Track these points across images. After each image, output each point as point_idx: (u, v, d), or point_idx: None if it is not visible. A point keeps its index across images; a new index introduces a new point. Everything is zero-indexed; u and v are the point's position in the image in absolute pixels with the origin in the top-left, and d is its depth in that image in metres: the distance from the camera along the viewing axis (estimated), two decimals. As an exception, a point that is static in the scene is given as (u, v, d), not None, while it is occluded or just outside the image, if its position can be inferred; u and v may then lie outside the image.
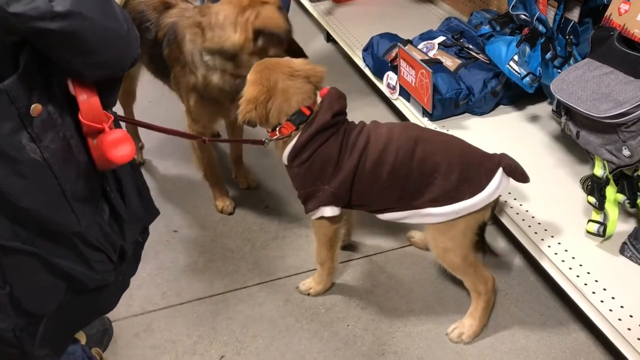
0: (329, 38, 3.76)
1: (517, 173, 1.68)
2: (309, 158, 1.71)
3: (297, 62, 1.79)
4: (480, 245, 1.85)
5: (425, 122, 2.50)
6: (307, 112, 1.72)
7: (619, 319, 1.59)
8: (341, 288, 2.08)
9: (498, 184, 1.67)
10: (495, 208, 1.81)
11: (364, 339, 1.90)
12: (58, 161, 1.04)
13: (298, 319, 1.98)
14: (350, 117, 2.97)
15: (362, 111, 3.07)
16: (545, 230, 1.90)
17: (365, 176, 1.71)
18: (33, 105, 0.98)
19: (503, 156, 1.71)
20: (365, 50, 2.92)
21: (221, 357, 1.87)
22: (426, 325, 1.93)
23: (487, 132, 2.41)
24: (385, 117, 3.00)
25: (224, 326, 1.97)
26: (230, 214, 2.46)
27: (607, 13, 1.77)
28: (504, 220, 2.04)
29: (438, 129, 2.44)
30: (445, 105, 2.42)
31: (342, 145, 1.71)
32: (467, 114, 2.51)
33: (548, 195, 2.05)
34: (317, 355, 1.86)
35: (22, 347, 1.15)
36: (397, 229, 2.31)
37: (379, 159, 1.69)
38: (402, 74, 2.54)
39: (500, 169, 1.67)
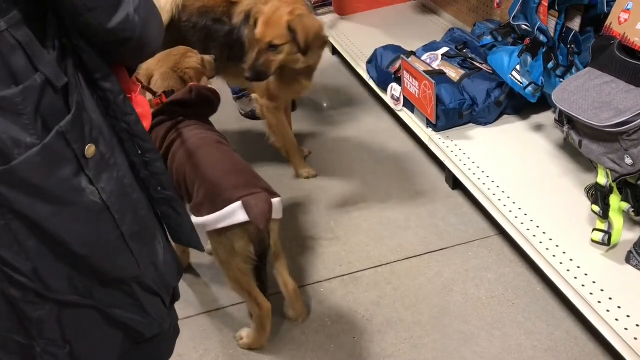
0: (334, 51, 3.79)
1: (252, 213, 1.66)
2: (151, 130, 1.90)
3: (191, 60, 2.07)
4: (258, 279, 1.84)
5: (429, 133, 2.51)
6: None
7: (625, 329, 1.58)
8: (347, 300, 2.08)
9: (228, 214, 1.67)
10: (263, 245, 1.76)
11: (369, 351, 1.90)
12: (115, 202, 1.01)
13: (304, 331, 1.98)
14: (355, 128, 3.03)
15: (366, 122, 3.09)
16: (550, 239, 1.90)
17: (169, 166, 1.86)
18: (87, 146, 0.95)
19: (256, 195, 1.70)
20: (369, 62, 2.94)
21: (227, 371, 1.88)
22: (432, 336, 1.93)
23: (491, 142, 2.42)
24: (389, 128, 3.02)
25: (230, 339, 1.97)
26: (315, 176, 2.69)
27: (608, 22, 1.78)
28: (509, 230, 2.03)
29: (442, 140, 2.45)
30: (449, 115, 2.43)
31: (166, 133, 1.91)
32: (471, 124, 2.51)
33: (553, 205, 2.05)
34: (323, 368, 1.86)
35: None
36: (403, 240, 2.31)
37: (173, 156, 1.86)
38: (405, 85, 2.55)
39: (239, 203, 1.66)
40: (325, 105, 3.31)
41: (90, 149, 0.96)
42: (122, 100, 1.06)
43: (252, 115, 3.14)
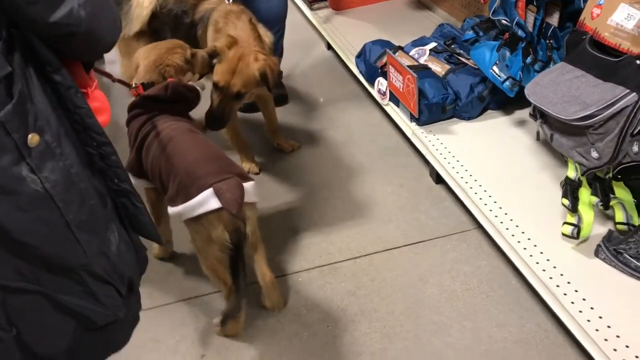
0: (329, 46, 3.81)
1: (223, 198, 1.68)
2: (128, 123, 2.00)
3: (175, 57, 2.09)
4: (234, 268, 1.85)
5: (413, 127, 2.52)
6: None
7: (588, 320, 1.60)
8: (324, 290, 2.11)
9: (200, 201, 1.70)
10: (239, 233, 1.77)
11: (342, 340, 1.92)
12: (60, 192, 1.02)
13: (279, 320, 2.01)
14: (346, 122, 3.05)
15: (357, 117, 3.11)
16: (523, 233, 1.92)
17: (144, 159, 1.91)
18: (30, 135, 0.96)
19: (227, 180, 1.72)
20: (358, 56, 2.97)
21: (202, 356, 1.92)
22: (405, 326, 1.95)
23: (473, 136, 2.44)
24: (379, 122, 3.04)
25: (206, 327, 2.01)
26: (257, 173, 2.70)
27: (581, 17, 1.79)
28: (484, 224, 2.05)
29: (425, 134, 2.47)
30: (432, 110, 2.45)
31: (141, 126, 1.94)
32: (454, 119, 2.53)
33: (529, 199, 2.07)
34: (295, 356, 1.89)
35: None
36: (384, 233, 2.34)
37: (147, 149, 1.90)
38: (391, 79, 2.57)
39: (211, 190, 1.69)
40: (321, 100, 3.33)
41: (33, 139, 0.97)
42: (72, 94, 1.08)
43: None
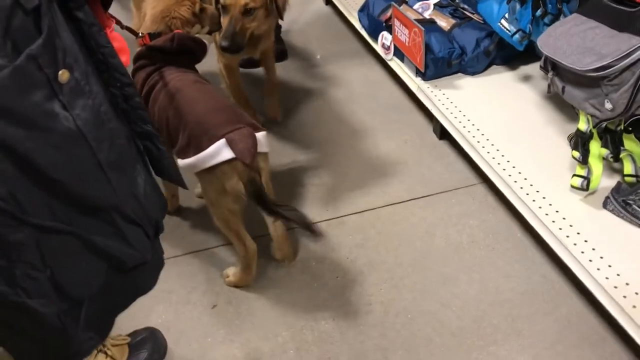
0: (328, 1, 3.75)
1: (237, 148, 1.67)
2: (134, 74, 1.95)
3: (183, 9, 2.04)
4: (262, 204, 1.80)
5: (418, 82, 2.51)
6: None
7: (598, 269, 1.63)
8: (332, 242, 2.13)
9: (213, 152, 1.68)
10: (255, 184, 1.72)
11: (352, 290, 1.95)
12: (91, 130, 1.01)
13: (289, 270, 2.03)
14: (347, 79, 3.03)
15: (358, 73, 3.09)
16: (532, 185, 1.94)
17: (150, 110, 1.87)
18: (60, 71, 0.95)
19: (240, 130, 1.70)
20: (361, 10, 2.93)
21: (213, 306, 1.94)
22: (412, 278, 1.98)
23: (479, 91, 2.43)
24: (380, 78, 3.02)
25: (216, 277, 2.03)
26: None
27: (596, -32, 1.77)
28: (492, 177, 2.07)
29: (431, 89, 2.46)
30: (438, 64, 2.43)
31: (147, 77, 1.91)
32: (459, 74, 2.52)
33: (537, 153, 2.08)
34: (306, 305, 1.91)
35: (66, 331, 1.13)
36: (389, 188, 2.35)
37: (154, 100, 1.86)
38: (396, 33, 2.55)
39: (223, 140, 1.68)
40: (318, 57, 3.30)
41: (64, 75, 0.96)
42: (96, 32, 1.06)
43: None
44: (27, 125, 0.92)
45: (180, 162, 1.81)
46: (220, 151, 1.70)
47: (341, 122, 2.76)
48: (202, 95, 1.83)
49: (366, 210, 2.26)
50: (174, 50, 1.94)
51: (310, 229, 1.73)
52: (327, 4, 3.81)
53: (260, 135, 1.75)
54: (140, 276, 1.27)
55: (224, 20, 2.21)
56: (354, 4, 3.21)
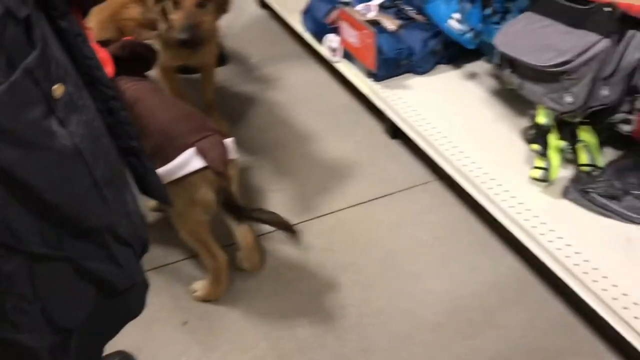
0: (263, 3, 3.71)
1: (209, 157, 1.62)
2: None
3: (132, 10, 1.98)
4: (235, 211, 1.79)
5: (369, 83, 2.53)
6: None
7: (567, 256, 1.70)
8: (298, 248, 2.10)
9: (182, 162, 1.62)
10: (226, 192, 1.69)
11: (325, 295, 1.93)
12: (88, 147, 0.94)
13: (258, 280, 1.99)
14: (291, 83, 3.00)
15: (302, 77, 3.08)
16: (492, 179, 1.99)
17: None
18: (55, 86, 0.87)
19: (210, 137, 1.65)
20: (305, 13, 2.91)
21: (184, 323, 1.86)
22: (383, 277, 1.99)
23: (429, 90, 2.48)
24: (324, 80, 3.02)
25: (182, 293, 1.95)
26: None
27: (545, -33, 1.85)
28: (453, 173, 2.11)
29: (382, 90, 2.49)
30: (389, 65, 2.46)
31: None
32: (408, 74, 2.56)
33: (491, 148, 2.15)
34: (281, 313, 1.88)
35: None
36: (347, 189, 2.35)
37: None
38: (343, 35, 2.55)
39: (193, 149, 1.62)
40: (252, 60, 3.26)
41: (58, 89, 0.88)
42: (81, 42, 0.99)
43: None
44: (23, 145, 0.83)
45: None
46: (189, 161, 1.64)
47: (290, 125, 2.73)
48: (163, 103, 1.76)
49: (329, 214, 2.25)
50: (125, 58, 1.85)
51: (291, 230, 1.70)
52: (262, 7, 3.77)
53: (229, 141, 1.70)
54: (130, 299, 1.20)
55: (176, 16, 2.10)
56: (292, 6, 3.19)
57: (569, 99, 1.68)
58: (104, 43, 1.86)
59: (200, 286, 1.90)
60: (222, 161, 1.62)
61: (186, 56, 2.33)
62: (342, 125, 2.72)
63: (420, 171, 2.42)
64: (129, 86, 1.81)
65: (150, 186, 1.22)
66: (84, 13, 1.09)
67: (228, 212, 1.68)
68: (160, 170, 1.65)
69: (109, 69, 1.09)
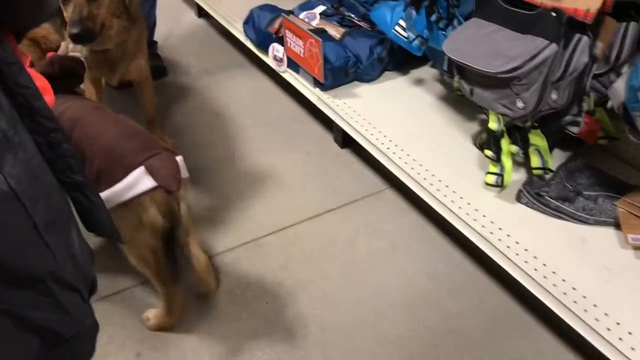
0: (201, 13, 3.62)
1: (159, 176, 1.54)
2: None
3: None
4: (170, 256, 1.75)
5: (317, 93, 2.49)
6: None
7: (526, 261, 1.70)
8: (254, 266, 2.03)
9: (131, 183, 1.53)
10: (174, 215, 1.62)
11: (284, 314, 1.87)
12: (25, 188, 0.84)
13: (214, 304, 1.90)
14: (235, 93, 2.93)
15: (246, 87, 3.01)
16: (447, 186, 1.99)
17: None
18: None
19: (159, 155, 1.57)
20: (246, 23, 2.85)
21: (137, 355, 1.76)
22: (343, 292, 1.94)
23: (377, 98, 2.46)
24: (270, 90, 2.96)
25: (135, 322, 1.84)
26: None
27: (488, -27, 1.85)
28: (405, 180, 2.09)
29: (331, 99, 2.45)
30: (336, 74, 2.43)
31: None
32: (356, 82, 2.54)
33: (442, 153, 2.14)
34: (240, 337, 1.80)
35: None
36: (301, 202, 2.30)
37: None
38: (289, 45, 2.50)
39: (142, 168, 1.53)
40: (193, 71, 3.17)
41: None
42: (17, 71, 0.90)
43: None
44: None
45: None
46: (139, 180, 1.54)
47: (237, 137, 2.66)
48: (106, 122, 1.66)
49: (283, 229, 2.19)
50: (57, 75, 1.73)
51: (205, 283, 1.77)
52: (200, 16, 3.67)
53: (180, 159, 1.62)
54: (77, 345, 1.09)
55: (68, 12, 1.99)
56: (232, 14, 3.12)
57: (520, 104, 1.68)
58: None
59: (153, 314, 1.81)
60: (175, 180, 1.53)
61: (109, 68, 2.24)
62: (291, 134, 2.67)
63: (373, 180, 2.40)
64: (68, 106, 1.69)
65: (98, 222, 1.12)
66: (18, 37, 0.99)
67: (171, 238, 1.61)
68: (107, 193, 1.55)
69: (48, 98, 0.99)
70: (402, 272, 2.00)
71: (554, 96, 1.67)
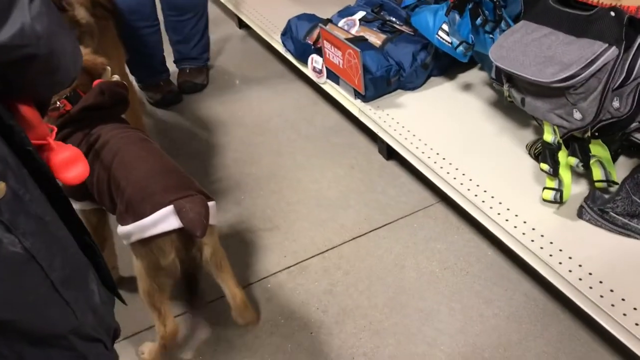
0: (241, 24, 3.56)
1: (186, 218, 1.45)
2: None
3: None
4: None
5: (358, 104, 2.38)
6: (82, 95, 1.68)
7: (590, 287, 1.54)
8: (297, 293, 1.95)
9: (156, 220, 1.46)
10: (193, 262, 1.59)
11: (330, 345, 1.78)
12: (41, 247, 0.82)
13: (257, 334, 1.83)
14: (277, 105, 2.85)
15: (288, 98, 2.93)
16: (501, 203, 1.84)
17: (89, 179, 1.63)
18: None
19: (190, 197, 1.49)
20: (284, 34, 2.76)
21: (179, 392, 1.71)
22: (391, 320, 1.83)
23: (423, 106, 2.33)
24: (313, 101, 2.87)
25: (176, 354, 1.79)
26: None
27: (536, -29, 1.70)
28: (453, 195, 1.96)
29: (373, 110, 2.33)
30: (378, 84, 2.31)
31: (79, 143, 1.64)
32: (399, 91, 2.41)
33: (494, 165, 1.99)
34: (284, 372, 1.73)
35: None
36: (346, 220, 2.19)
37: (92, 162, 1.58)
38: (327, 56, 2.40)
39: (171, 207, 1.45)
40: (237, 82, 3.11)
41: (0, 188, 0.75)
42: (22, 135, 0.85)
43: (163, 101, 2.91)
44: None
45: (119, 228, 1.57)
46: (165, 219, 1.47)
47: (281, 153, 2.58)
48: (146, 155, 1.59)
49: (328, 250, 2.09)
50: (108, 104, 1.69)
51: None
52: (240, 27, 3.62)
53: (212, 204, 1.54)
54: None
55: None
56: (273, 26, 3.05)
57: (577, 115, 1.52)
58: (72, 97, 1.68)
59: (147, 349, 1.74)
60: (201, 225, 1.45)
61: None
62: (335, 147, 2.57)
63: (421, 193, 2.28)
64: (113, 134, 1.64)
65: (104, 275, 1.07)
66: (43, 107, 0.93)
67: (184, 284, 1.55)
68: (132, 226, 1.49)
69: (80, 169, 0.93)
70: (455, 297, 1.87)
71: (615, 104, 1.50)
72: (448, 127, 2.20)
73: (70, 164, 0.89)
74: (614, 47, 1.44)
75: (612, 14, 1.45)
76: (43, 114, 0.92)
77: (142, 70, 2.86)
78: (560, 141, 1.66)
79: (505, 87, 1.73)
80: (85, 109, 1.63)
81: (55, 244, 0.86)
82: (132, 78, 2.79)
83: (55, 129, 0.92)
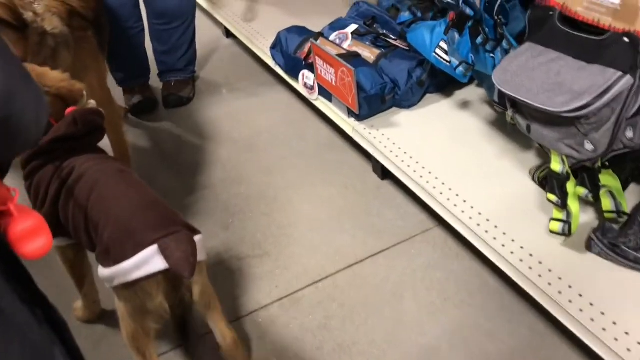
0: (229, 33, 3.45)
1: (172, 258, 1.34)
2: (29, 176, 1.58)
3: (53, 76, 1.63)
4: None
5: (352, 123, 2.28)
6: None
7: (604, 329, 1.45)
8: (292, 327, 1.84)
9: (140, 262, 1.35)
10: (182, 302, 1.51)
11: (326, 386, 1.68)
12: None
13: (248, 374, 1.73)
14: (267, 120, 2.74)
15: (278, 113, 2.82)
16: (505, 234, 1.74)
17: (62, 211, 1.52)
18: None
19: (176, 234, 1.38)
20: (273, 48, 2.66)
21: None
22: (391, 356, 1.73)
23: (419, 125, 2.23)
24: (304, 115, 2.76)
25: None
26: None
27: (543, -10, 1.61)
28: (451, 221, 1.87)
29: (367, 130, 2.23)
30: (372, 102, 2.21)
31: (52, 176, 1.53)
32: (394, 109, 2.31)
33: (495, 190, 1.90)
34: (278, 417, 1.62)
35: None
36: (340, 246, 2.09)
37: (67, 196, 1.50)
38: (319, 72, 2.30)
39: (155, 247, 1.35)
40: (224, 91, 3.01)
41: None
42: None
43: (141, 105, 2.80)
44: None
45: (100, 270, 1.45)
46: (149, 260, 1.36)
47: (271, 171, 2.47)
48: (125, 188, 1.48)
49: (322, 280, 1.99)
50: (81, 134, 1.57)
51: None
52: (228, 36, 3.50)
53: (198, 239, 1.43)
54: None
55: None
56: (261, 37, 2.94)
57: (588, 146, 1.43)
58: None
59: None
60: (189, 264, 1.35)
61: None
62: (328, 165, 2.46)
63: (419, 216, 2.18)
64: (89, 166, 1.52)
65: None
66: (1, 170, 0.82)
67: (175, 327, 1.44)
68: (113, 269, 1.38)
69: (43, 241, 0.81)
70: (457, 331, 1.78)
71: (629, 134, 1.41)
72: (446, 148, 2.11)
73: (31, 236, 0.77)
74: (628, 76, 1.36)
75: (626, 39, 1.36)
76: (2, 176, 0.81)
77: (124, 72, 2.76)
78: (569, 171, 1.57)
79: (510, 112, 1.64)
80: (56, 140, 1.52)
81: (13, 331, 0.75)
82: (113, 83, 2.68)
83: (17, 193, 0.80)
